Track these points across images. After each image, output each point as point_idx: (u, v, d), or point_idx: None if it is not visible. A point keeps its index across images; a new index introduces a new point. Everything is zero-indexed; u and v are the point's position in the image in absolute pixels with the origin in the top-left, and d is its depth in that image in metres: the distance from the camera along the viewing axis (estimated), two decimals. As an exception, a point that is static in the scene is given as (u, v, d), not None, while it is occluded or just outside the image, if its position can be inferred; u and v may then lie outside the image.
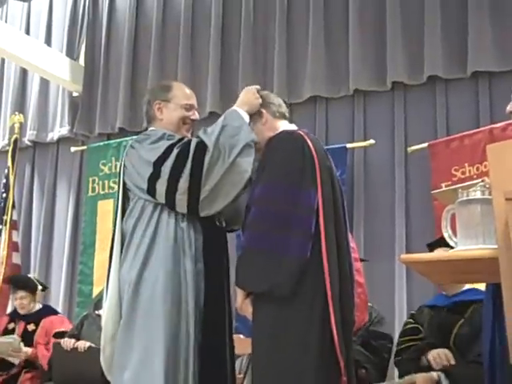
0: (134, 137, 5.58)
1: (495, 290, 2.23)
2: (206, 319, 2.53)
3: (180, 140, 2.62)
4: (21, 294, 5.02)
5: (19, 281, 5.27)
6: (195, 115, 2.84)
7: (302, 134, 2.50)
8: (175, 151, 2.54)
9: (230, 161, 2.48)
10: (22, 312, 5.00)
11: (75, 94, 6.71)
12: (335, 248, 2.37)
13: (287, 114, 2.72)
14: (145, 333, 2.46)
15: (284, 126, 2.63)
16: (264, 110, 2.64)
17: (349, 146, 5.05)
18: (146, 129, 2.87)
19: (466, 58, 4.86)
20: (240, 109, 2.61)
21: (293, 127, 2.64)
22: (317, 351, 2.25)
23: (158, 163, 2.54)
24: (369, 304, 3.91)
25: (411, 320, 3.68)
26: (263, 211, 2.34)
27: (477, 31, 4.84)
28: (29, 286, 5.09)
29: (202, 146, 2.51)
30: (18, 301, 5.02)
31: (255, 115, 2.64)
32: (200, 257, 2.58)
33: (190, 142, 2.57)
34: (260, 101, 2.64)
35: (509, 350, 1.55)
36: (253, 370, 2.35)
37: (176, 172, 2.50)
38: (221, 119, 2.61)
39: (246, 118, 2.59)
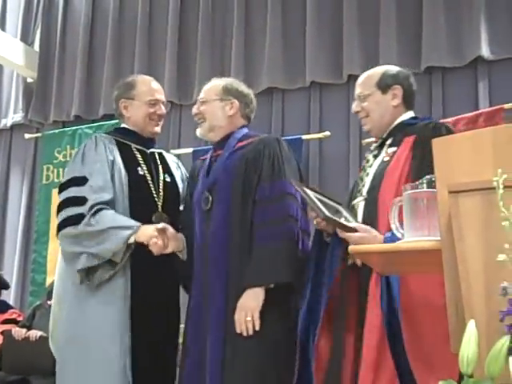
0: (93, 125, 5.67)
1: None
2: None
3: (82, 181, 2.63)
4: None
5: None
6: (161, 110, 2.84)
7: None
8: (70, 193, 2.63)
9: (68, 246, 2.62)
10: None
11: (30, 80, 6.59)
12: None
13: (250, 120, 2.78)
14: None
15: (244, 129, 2.68)
16: (238, 103, 2.67)
17: (304, 137, 5.09)
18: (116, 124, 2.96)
19: (419, 53, 4.93)
20: (135, 236, 2.51)
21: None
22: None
23: (61, 187, 2.70)
24: None
25: None
26: (291, 207, 2.41)
27: (431, 27, 4.91)
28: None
29: (78, 219, 2.57)
30: None
31: (227, 101, 2.64)
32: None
33: (86, 203, 2.57)
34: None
35: (451, 339, 1.59)
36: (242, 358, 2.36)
37: (59, 206, 2.66)
38: (117, 224, 2.54)
39: (124, 243, 2.50)
